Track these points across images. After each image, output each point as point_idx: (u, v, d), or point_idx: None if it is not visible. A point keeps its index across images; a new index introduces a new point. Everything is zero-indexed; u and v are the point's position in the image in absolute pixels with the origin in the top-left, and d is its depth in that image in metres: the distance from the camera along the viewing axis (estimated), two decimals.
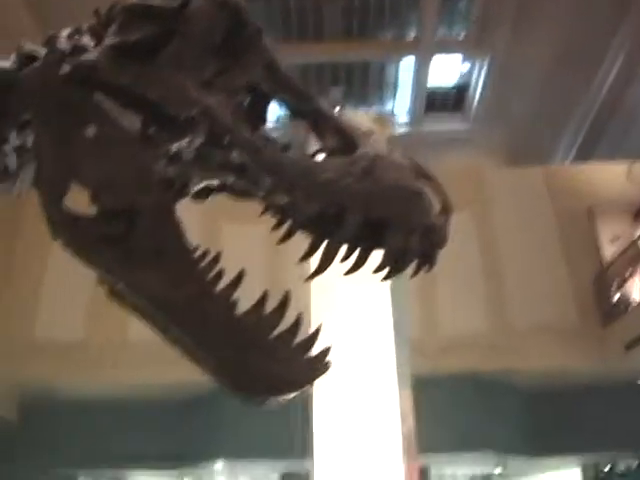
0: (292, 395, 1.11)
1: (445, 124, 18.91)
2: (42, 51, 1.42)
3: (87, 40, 1.39)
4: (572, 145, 17.58)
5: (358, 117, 9.94)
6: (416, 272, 1.16)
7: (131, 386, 11.86)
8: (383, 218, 1.09)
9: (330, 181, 1.11)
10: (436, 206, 1.16)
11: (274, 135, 1.27)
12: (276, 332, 1.12)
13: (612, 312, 11.80)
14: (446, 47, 16.95)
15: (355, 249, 1.12)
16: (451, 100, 18.73)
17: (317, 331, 1.15)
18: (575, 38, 14.71)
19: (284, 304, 1.16)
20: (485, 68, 17.13)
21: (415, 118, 18.78)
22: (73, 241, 1.23)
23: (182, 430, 12.62)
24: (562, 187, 13.39)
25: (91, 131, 1.25)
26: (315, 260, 1.15)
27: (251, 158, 1.18)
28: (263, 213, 1.23)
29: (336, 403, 6.18)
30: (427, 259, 1.15)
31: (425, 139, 17.89)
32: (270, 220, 1.21)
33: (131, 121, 1.25)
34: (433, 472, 13.40)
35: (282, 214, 1.18)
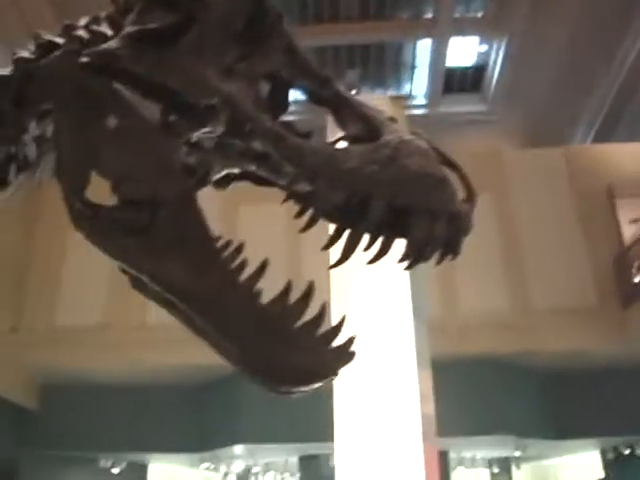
0: (316, 386, 1.10)
1: (463, 105, 18.71)
2: (60, 40, 1.42)
3: (106, 28, 1.39)
4: (591, 126, 17.36)
5: (375, 99, 9.89)
6: (440, 261, 1.15)
7: (151, 370, 11.97)
8: (408, 205, 1.08)
9: (354, 169, 1.10)
10: (460, 193, 1.15)
11: (296, 123, 1.26)
12: (300, 322, 1.11)
13: (632, 294, 11.68)
14: (464, 27, 16.73)
15: (378, 237, 1.11)
16: (469, 81, 18.53)
17: (342, 321, 1.14)
18: (595, 18, 14.49)
19: (308, 294, 1.14)
20: (503, 48, 16.89)
21: (432, 99, 18.60)
22: (95, 232, 1.23)
23: (201, 414, 12.74)
24: (581, 168, 13.25)
25: (111, 120, 1.24)
26: (336, 248, 1.14)
27: (273, 147, 1.17)
28: (285, 201, 1.22)
29: (356, 386, 6.18)
30: (451, 248, 1.13)
31: (443, 120, 17.74)
32: (291, 205, 1.20)
33: (151, 110, 1.24)
34: (452, 455, 13.45)
35: (304, 202, 1.16)
